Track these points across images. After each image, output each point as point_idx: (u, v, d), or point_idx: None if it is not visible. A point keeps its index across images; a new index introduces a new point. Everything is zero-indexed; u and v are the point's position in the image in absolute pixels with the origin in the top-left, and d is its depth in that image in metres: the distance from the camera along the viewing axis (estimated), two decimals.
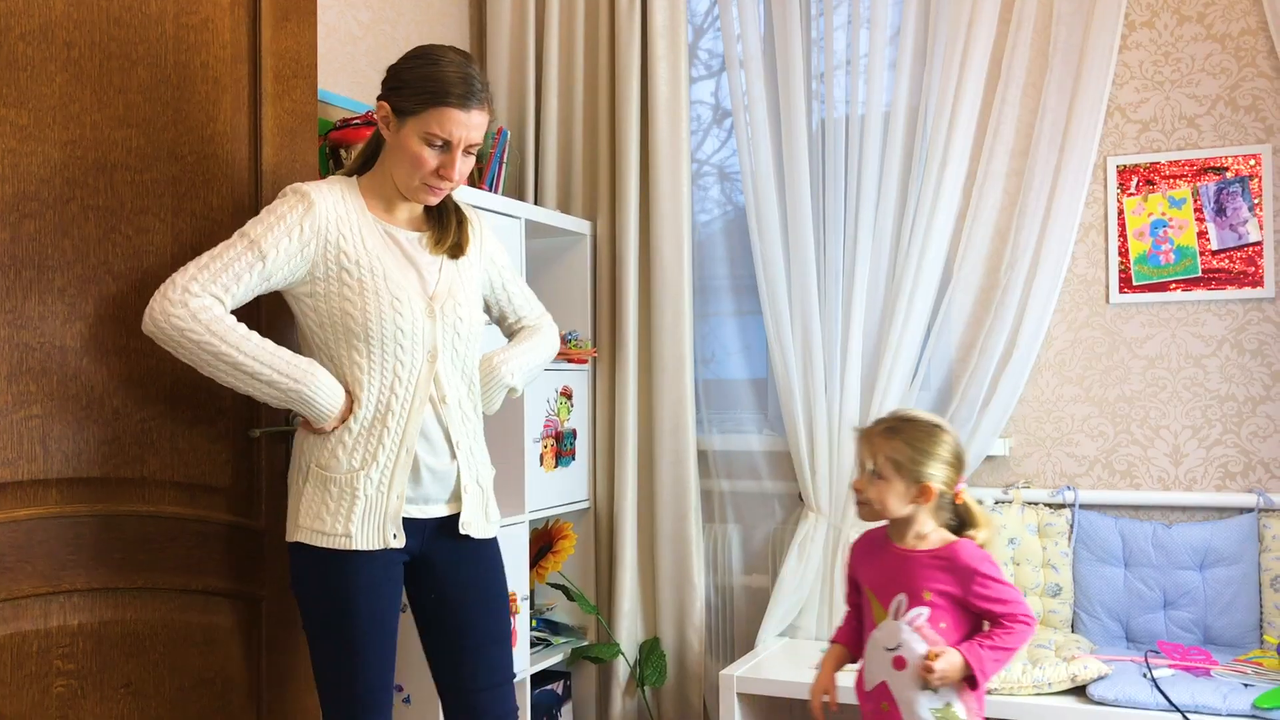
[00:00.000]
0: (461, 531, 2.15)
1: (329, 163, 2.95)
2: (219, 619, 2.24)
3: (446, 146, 2.05)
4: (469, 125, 2.04)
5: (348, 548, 2.04)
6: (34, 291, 1.98)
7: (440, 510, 2.15)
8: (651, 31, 3.46)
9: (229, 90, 2.28)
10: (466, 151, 2.07)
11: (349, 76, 3.24)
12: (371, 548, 2.05)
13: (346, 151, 2.92)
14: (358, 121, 2.94)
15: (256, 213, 2.27)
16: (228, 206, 2.26)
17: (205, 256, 1.99)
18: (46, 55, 1.99)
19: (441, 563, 2.17)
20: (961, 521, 2.16)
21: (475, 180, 3.26)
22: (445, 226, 2.19)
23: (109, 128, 2.08)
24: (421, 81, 2.03)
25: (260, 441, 2.30)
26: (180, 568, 2.17)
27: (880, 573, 2.17)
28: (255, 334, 1.99)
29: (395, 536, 2.07)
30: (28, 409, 1.96)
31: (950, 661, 2.05)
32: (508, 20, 3.66)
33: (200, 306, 1.92)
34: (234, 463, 2.26)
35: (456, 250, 2.20)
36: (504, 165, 3.32)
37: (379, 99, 2.09)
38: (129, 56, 2.11)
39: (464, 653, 2.18)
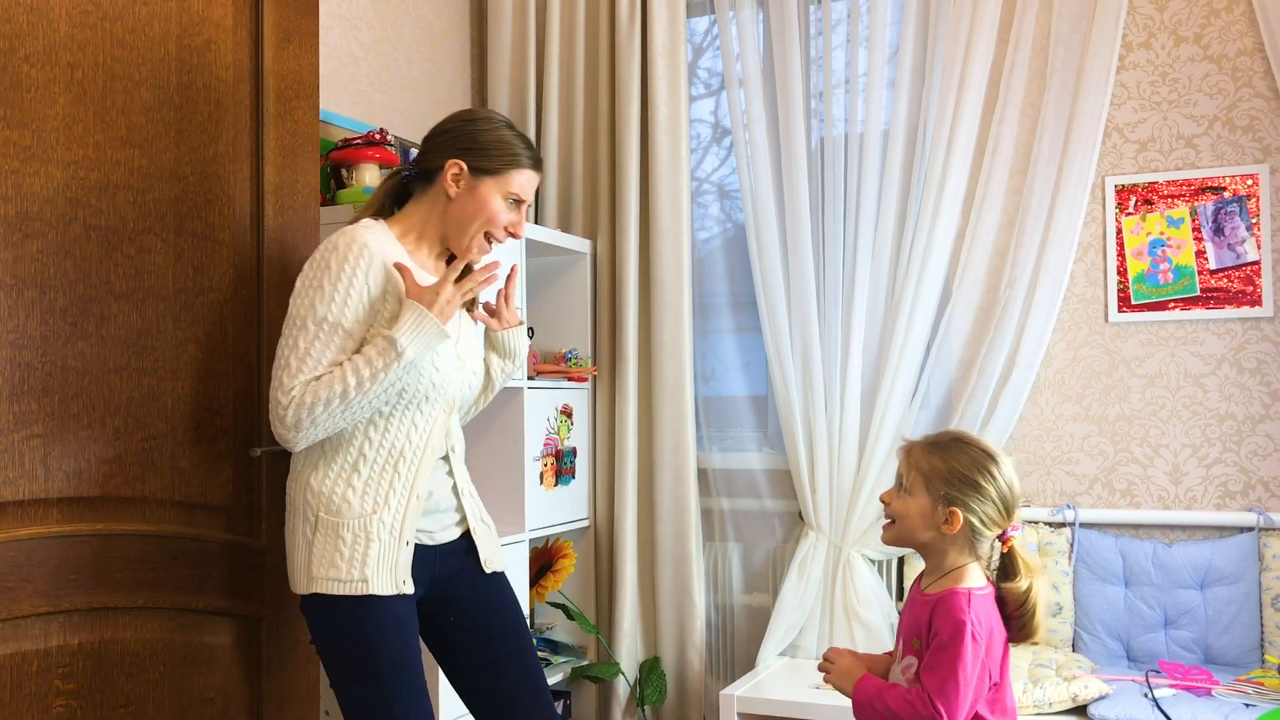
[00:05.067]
0: (487, 570, 2.18)
1: (330, 183, 2.96)
2: (219, 638, 2.23)
3: (517, 205, 2.14)
4: (534, 186, 2.19)
5: (365, 592, 2.00)
6: (36, 311, 1.98)
7: (450, 535, 2.15)
8: (651, 51, 3.48)
9: (231, 111, 2.29)
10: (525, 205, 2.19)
11: (350, 97, 3.25)
12: (387, 592, 2.01)
13: (348, 171, 2.94)
14: (359, 141, 2.95)
15: (258, 233, 2.28)
16: (229, 226, 2.27)
17: (287, 357, 1.98)
18: (50, 77, 2.00)
19: (458, 588, 2.17)
20: (1005, 571, 1.91)
21: None
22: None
23: (111, 148, 2.09)
24: (500, 145, 2.12)
25: (261, 460, 2.30)
26: (180, 587, 2.17)
27: (903, 616, 2.00)
28: (338, 366, 1.98)
29: (405, 583, 2.04)
30: (29, 428, 1.96)
31: (845, 672, 1.93)
32: (508, 40, 3.68)
33: (301, 393, 1.96)
34: (235, 482, 2.26)
35: (473, 302, 2.23)
36: None
37: (448, 157, 2.09)
38: (132, 78, 2.12)
39: (507, 686, 2.17)
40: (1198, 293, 3.13)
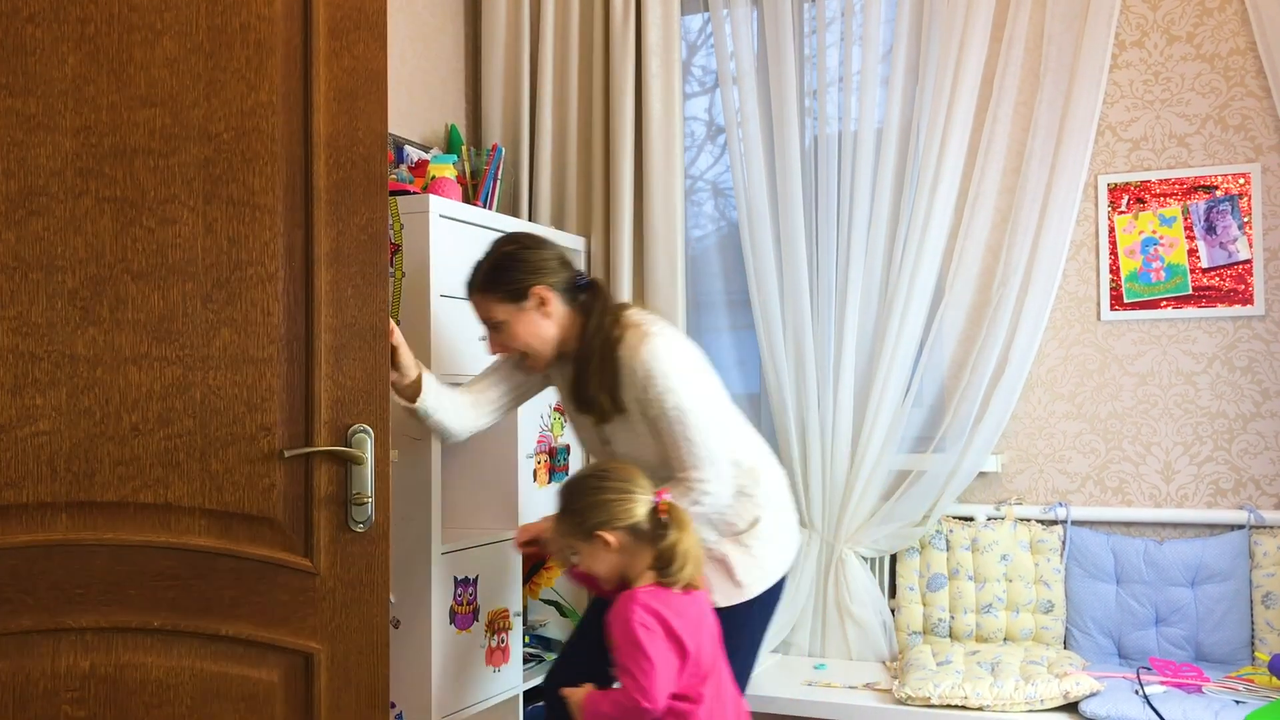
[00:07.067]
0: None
1: None
2: (261, 673, 1.94)
3: (489, 327, 2.46)
4: (476, 307, 2.47)
5: None
6: (41, 295, 1.81)
7: None
8: (645, 48, 3.48)
9: (275, 53, 1.95)
10: (495, 327, 2.43)
11: None
12: None
13: None
14: None
15: (307, 195, 1.99)
16: (272, 189, 1.95)
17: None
18: (58, 35, 1.83)
19: None
20: (659, 534, 2.13)
21: (470, 197, 3.27)
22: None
23: (128, 109, 1.87)
24: None
25: (313, 464, 1.96)
26: (208, 609, 1.91)
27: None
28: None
29: None
30: (34, 425, 1.81)
31: (577, 703, 2.13)
32: (502, 37, 3.67)
33: None
34: (281, 489, 1.94)
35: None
36: (498, 182, 3.33)
37: None
38: (152, 28, 1.89)
39: None
40: (1190, 291, 3.14)
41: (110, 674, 1.85)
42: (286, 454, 1.94)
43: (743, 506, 2.42)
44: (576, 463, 3.47)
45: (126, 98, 1.87)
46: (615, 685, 2.11)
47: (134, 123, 1.88)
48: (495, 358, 2.55)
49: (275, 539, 1.95)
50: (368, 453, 1.96)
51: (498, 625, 2.95)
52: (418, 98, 3.56)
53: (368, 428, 1.98)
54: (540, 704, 3.31)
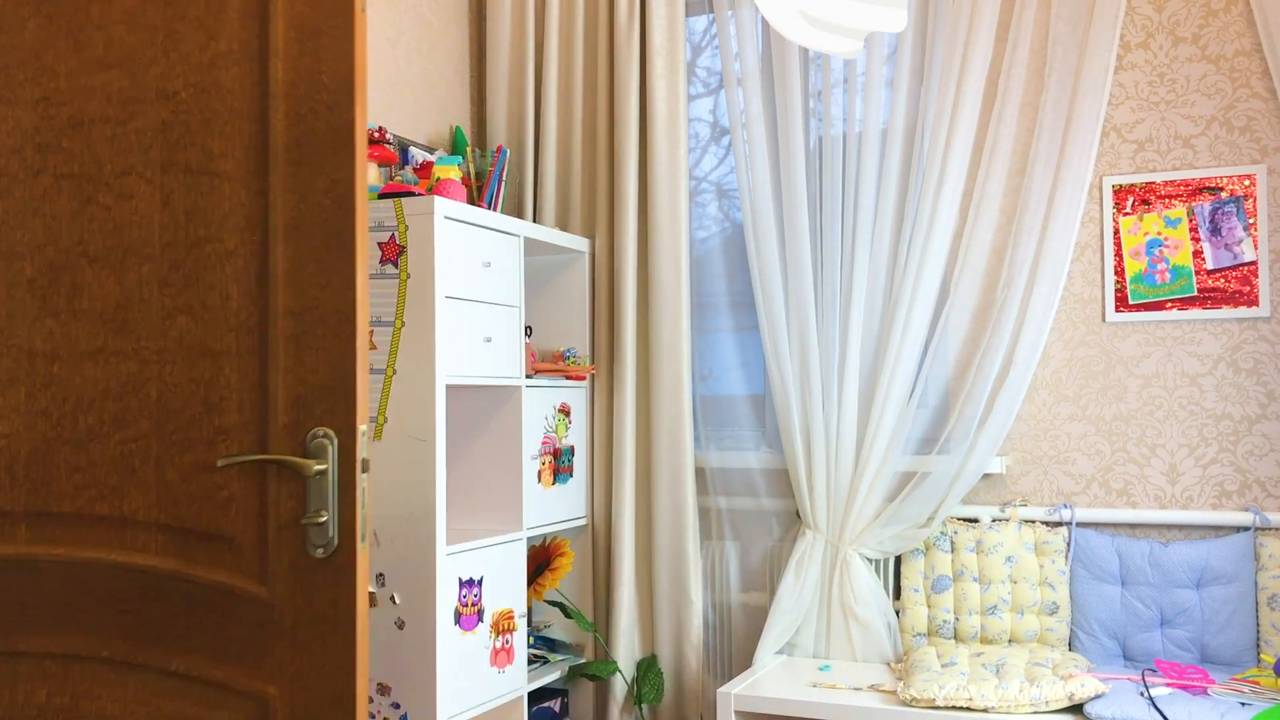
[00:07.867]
0: None
1: None
2: (220, 716, 1.69)
3: None
4: None
5: None
6: (1, 285, 1.73)
7: None
8: (650, 49, 3.48)
9: None
10: None
11: None
12: None
13: None
14: None
15: (264, 154, 1.72)
16: (231, 153, 1.70)
17: None
18: (17, 0, 1.74)
19: None
20: None
21: (474, 198, 3.28)
22: None
23: (85, 74, 1.72)
24: None
25: (267, 474, 1.67)
26: (159, 638, 1.69)
27: None
28: None
29: None
30: None
31: None
32: (507, 38, 3.68)
33: None
34: (240, 503, 1.68)
35: None
36: (503, 183, 3.34)
37: None
38: None
39: None
40: (1195, 293, 3.14)
41: (66, 705, 1.70)
42: (220, 463, 1.66)
43: None
44: (581, 464, 3.47)
45: (84, 61, 1.74)
46: None
47: (91, 88, 1.74)
48: None
49: (232, 561, 1.68)
50: (328, 461, 1.62)
51: (502, 626, 2.95)
52: (422, 99, 3.56)
53: (330, 432, 1.64)
54: (546, 705, 3.32)
